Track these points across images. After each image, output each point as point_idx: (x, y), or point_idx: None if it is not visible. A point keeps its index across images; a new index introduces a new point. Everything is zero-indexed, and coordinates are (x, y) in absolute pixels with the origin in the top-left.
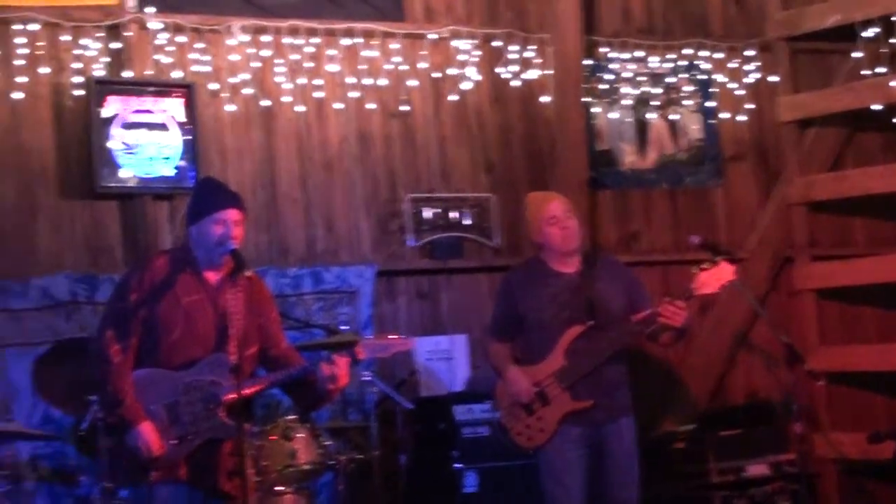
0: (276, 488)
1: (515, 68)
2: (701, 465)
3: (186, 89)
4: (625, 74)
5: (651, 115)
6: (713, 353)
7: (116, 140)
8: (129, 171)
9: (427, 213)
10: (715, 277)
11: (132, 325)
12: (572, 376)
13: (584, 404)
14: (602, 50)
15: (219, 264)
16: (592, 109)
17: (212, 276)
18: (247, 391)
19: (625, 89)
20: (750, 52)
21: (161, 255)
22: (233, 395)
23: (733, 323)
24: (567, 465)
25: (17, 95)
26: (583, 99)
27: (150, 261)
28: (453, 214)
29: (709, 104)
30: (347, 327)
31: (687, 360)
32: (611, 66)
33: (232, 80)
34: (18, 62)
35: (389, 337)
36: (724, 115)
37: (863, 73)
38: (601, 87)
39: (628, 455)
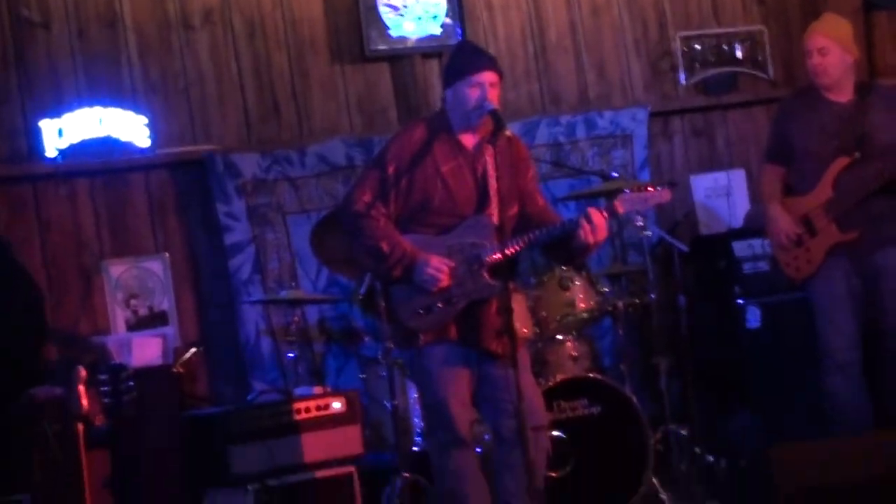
0: (557, 337)
1: None
2: None
3: None
4: None
5: None
6: None
7: (383, 2)
8: (397, 33)
9: (698, 50)
10: None
11: (391, 193)
12: (839, 207)
13: (850, 236)
14: None
15: (476, 126)
16: None
17: (469, 140)
18: (510, 250)
19: None
20: None
21: (417, 124)
22: (497, 256)
23: None
24: (835, 297)
25: None
26: None
27: (406, 131)
28: (725, 49)
29: None
30: (618, 174)
31: None
32: None
33: None
34: None
35: (648, 189)
36: None
37: None
38: None
39: None
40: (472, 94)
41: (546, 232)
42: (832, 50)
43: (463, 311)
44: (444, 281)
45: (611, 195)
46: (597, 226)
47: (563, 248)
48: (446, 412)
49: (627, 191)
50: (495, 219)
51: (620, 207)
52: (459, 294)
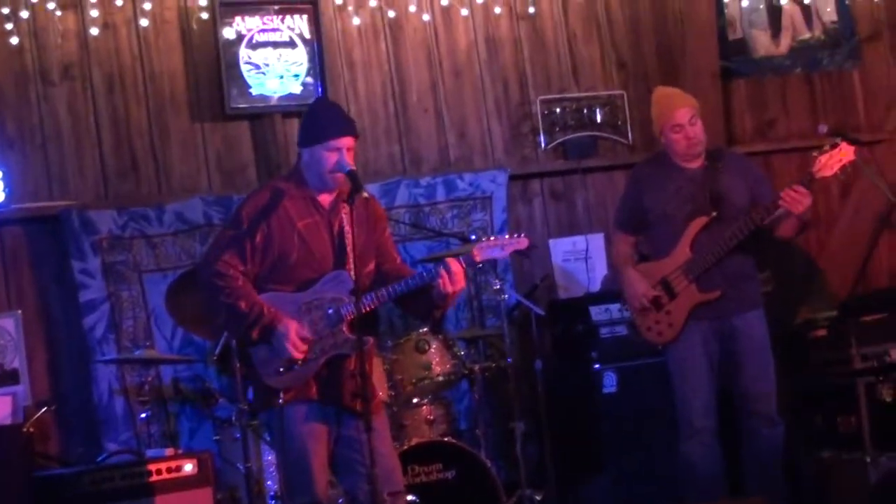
0: (413, 400)
1: None
2: (843, 352)
3: (311, 5)
4: None
5: (783, 0)
6: (854, 237)
7: (244, 60)
8: (258, 91)
9: (559, 114)
10: (835, 159)
11: (248, 251)
12: (699, 268)
13: (711, 295)
14: None
15: (332, 187)
16: None
17: (325, 197)
18: (369, 304)
19: None
20: None
21: (270, 184)
22: (355, 312)
23: (875, 205)
24: (693, 363)
25: (145, 22)
26: None
27: (260, 190)
28: (585, 113)
29: None
30: (476, 236)
31: (827, 246)
32: None
33: None
34: None
35: (505, 237)
36: None
37: None
38: None
39: (761, 347)
40: (331, 159)
41: (405, 284)
42: (697, 118)
43: (323, 370)
44: (303, 355)
45: (454, 257)
46: (455, 274)
47: (422, 301)
48: (307, 473)
49: (485, 238)
50: (353, 274)
51: (478, 255)
52: (319, 350)
